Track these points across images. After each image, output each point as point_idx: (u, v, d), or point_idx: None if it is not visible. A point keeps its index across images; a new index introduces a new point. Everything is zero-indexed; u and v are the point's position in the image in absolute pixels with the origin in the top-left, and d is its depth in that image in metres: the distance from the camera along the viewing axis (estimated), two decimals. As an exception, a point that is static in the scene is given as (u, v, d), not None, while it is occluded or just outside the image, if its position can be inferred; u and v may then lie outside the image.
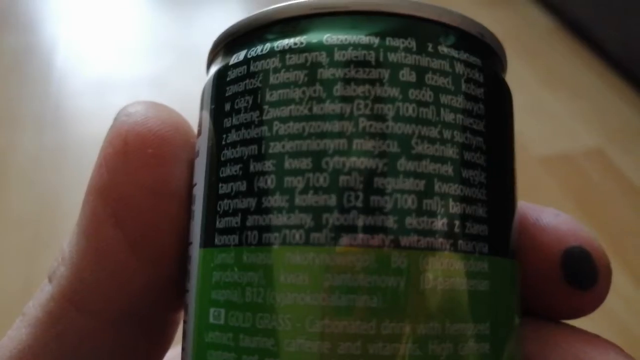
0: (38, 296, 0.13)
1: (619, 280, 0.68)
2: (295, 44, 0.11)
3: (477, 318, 0.10)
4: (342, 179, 0.10)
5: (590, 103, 0.91)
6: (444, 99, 0.11)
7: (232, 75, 0.12)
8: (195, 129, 0.13)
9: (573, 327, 0.12)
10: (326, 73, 0.10)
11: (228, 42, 0.12)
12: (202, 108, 0.13)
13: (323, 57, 0.11)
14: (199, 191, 0.12)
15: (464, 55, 0.11)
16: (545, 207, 0.13)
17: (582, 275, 0.12)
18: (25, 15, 1.09)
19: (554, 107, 0.90)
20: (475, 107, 0.11)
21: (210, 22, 1.07)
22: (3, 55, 1.00)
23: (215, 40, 0.13)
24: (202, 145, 0.12)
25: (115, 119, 0.12)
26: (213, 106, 0.12)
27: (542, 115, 0.88)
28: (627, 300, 0.66)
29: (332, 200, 0.10)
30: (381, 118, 0.10)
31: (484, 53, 0.12)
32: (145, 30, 1.06)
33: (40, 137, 0.86)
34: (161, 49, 1.01)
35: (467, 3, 1.14)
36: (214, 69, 0.13)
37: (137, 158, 0.12)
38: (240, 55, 0.12)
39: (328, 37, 0.11)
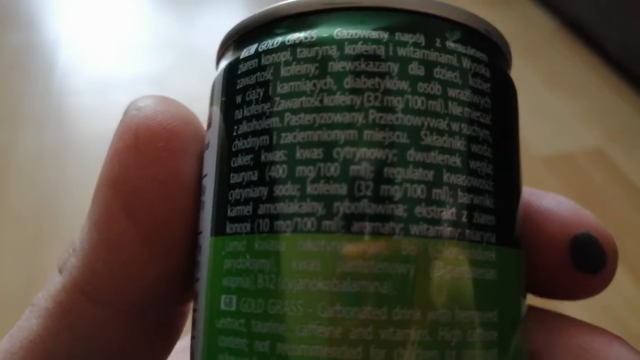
0: (48, 287, 0.13)
1: (620, 279, 0.68)
2: (306, 37, 0.11)
3: (485, 306, 0.11)
4: (353, 168, 0.10)
5: (592, 103, 0.91)
6: (452, 92, 0.11)
7: (243, 68, 0.12)
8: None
9: (578, 320, 0.12)
10: (337, 66, 0.11)
11: (239, 37, 0.12)
12: (212, 101, 0.13)
13: (334, 51, 0.11)
14: (209, 182, 0.12)
15: (471, 51, 0.11)
16: (547, 192, 0.13)
17: (591, 260, 0.12)
18: (27, 13, 1.09)
19: (555, 107, 0.90)
20: (482, 101, 0.11)
21: (211, 22, 1.07)
22: (5, 53, 1.01)
23: (226, 35, 0.13)
24: (213, 137, 0.12)
25: (125, 113, 0.13)
26: (224, 99, 0.12)
27: (544, 115, 0.88)
28: (628, 299, 0.67)
29: (343, 189, 0.10)
30: (391, 110, 0.11)
31: (490, 49, 0.12)
32: (147, 29, 1.07)
33: (42, 135, 0.86)
34: (162, 47, 1.01)
35: (468, 3, 1.14)
36: (224, 63, 0.13)
37: (148, 152, 0.12)
38: (252, 49, 0.12)
39: (338, 31, 0.11)
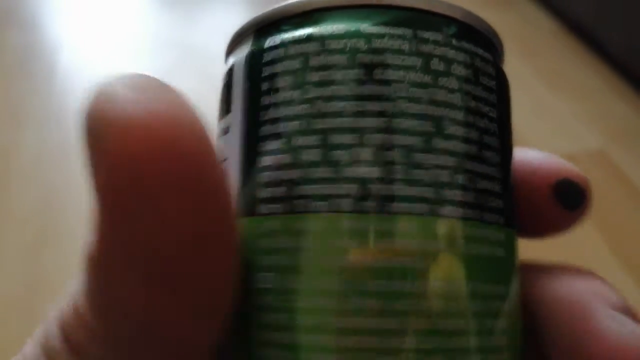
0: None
1: (620, 281, 0.69)
2: (333, 31, 0.12)
3: (499, 280, 0.12)
4: (386, 154, 0.11)
5: (593, 104, 0.91)
6: (468, 87, 0.12)
7: (267, 57, 0.12)
8: (204, 123, 0.13)
9: (562, 264, 0.14)
10: (365, 58, 0.12)
11: (261, 27, 0.13)
12: (229, 88, 0.13)
13: (361, 44, 0.12)
14: (232, 165, 0.12)
15: (480, 51, 0.13)
16: (527, 149, 0.15)
17: (573, 198, 0.15)
18: (29, 14, 1.10)
19: (556, 108, 0.91)
20: (490, 97, 0.13)
21: (212, 21, 1.07)
22: (7, 54, 1.01)
23: (244, 25, 0.13)
24: (234, 122, 0.13)
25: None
26: (247, 85, 0.13)
27: (545, 116, 0.89)
28: (629, 301, 0.67)
29: (377, 172, 0.11)
30: (417, 100, 0.12)
31: (492, 49, 0.13)
32: (148, 29, 1.07)
33: (43, 136, 0.86)
34: (164, 47, 1.02)
35: (469, 4, 1.15)
36: (243, 52, 0.13)
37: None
38: (277, 39, 0.12)
39: (366, 26, 0.12)
